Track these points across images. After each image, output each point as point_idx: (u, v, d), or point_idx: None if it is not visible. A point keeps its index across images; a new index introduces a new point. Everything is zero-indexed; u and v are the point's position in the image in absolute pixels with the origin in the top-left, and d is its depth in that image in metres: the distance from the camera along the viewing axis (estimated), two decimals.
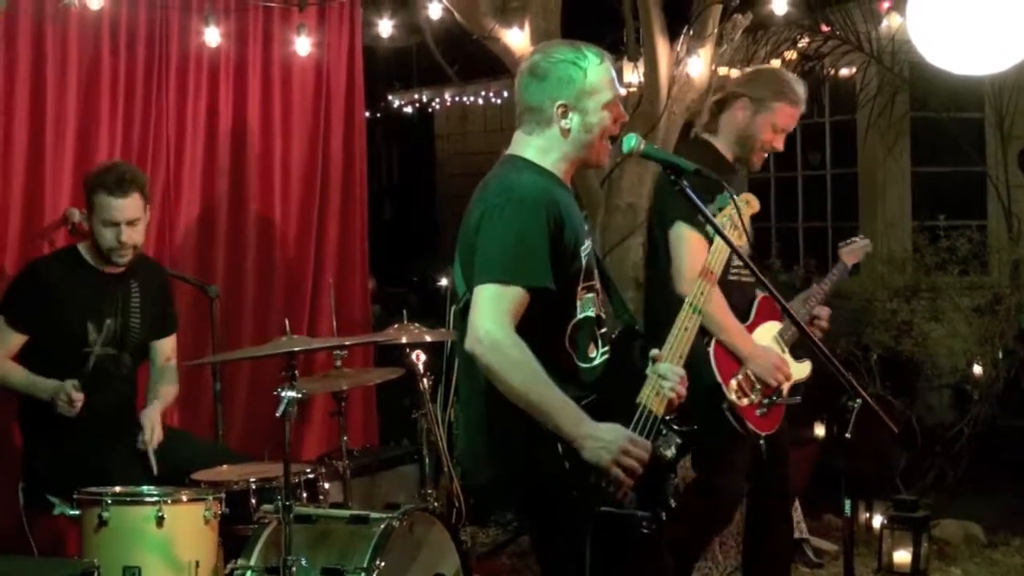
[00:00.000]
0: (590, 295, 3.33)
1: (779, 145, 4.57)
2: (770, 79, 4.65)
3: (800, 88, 4.56)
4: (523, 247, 3.16)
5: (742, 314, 4.44)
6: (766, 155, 4.60)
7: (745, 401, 4.37)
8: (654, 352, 3.38)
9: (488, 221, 3.21)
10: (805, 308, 4.66)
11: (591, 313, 3.33)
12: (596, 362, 3.34)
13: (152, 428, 4.71)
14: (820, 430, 6.67)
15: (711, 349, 4.32)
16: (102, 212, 4.71)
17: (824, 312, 4.69)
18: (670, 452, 3.27)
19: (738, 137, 4.55)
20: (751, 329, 4.46)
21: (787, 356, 4.53)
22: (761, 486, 4.66)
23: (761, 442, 4.45)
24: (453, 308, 3.45)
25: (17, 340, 4.74)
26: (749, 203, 4.02)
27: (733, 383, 4.36)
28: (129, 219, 4.72)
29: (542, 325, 3.19)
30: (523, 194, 3.22)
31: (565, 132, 3.32)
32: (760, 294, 4.54)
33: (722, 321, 4.31)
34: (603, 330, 3.37)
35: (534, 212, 3.18)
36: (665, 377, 3.31)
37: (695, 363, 4.19)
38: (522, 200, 3.20)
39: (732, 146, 4.56)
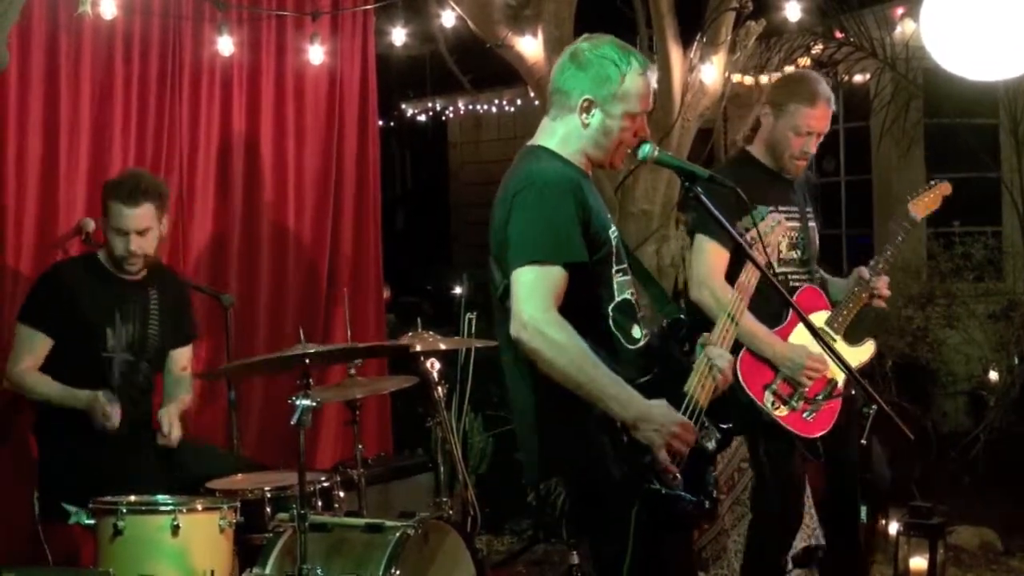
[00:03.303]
0: (624, 277, 3.33)
1: (811, 148, 4.50)
2: (787, 81, 4.64)
3: (817, 86, 4.47)
4: (554, 226, 3.15)
5: (774, 315, 4.37)
6: (804, 161, 4.52)
7: (784, 410, 4.31)
8: (704, 336, 3.42)
9: (516, 210, 3.19)
10: (864, 282, 4.51)
11: (628, 296, 3.32)
12: (641, 343, 3.32)
13: (171, 424, 4.72)
14: None
15: (737, 367, 4.25)
16: (113, 220, 4.73)
17: (882, 283, 4.54)
18: (711, 444, 3.30)
19: (767, 145, 4.54)
20: (792, 325, 4.37)
21: (840, 343, 4.45)
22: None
23: (818, 444, 4.34)
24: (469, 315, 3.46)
25: (44, 344, 4.73)
26: (781, 223, 4.03)
27: (768, 395, 4.31)
28: (139, 229, 4.72)
29: (584, 308, 3.18)
30: (546, 179, 3.22)
31: (584, 125, 3.32)
32: (804, 286, 4.48)
33: (746, 327, 4.24)
34: (641, 313, 3.37)
35: (559, 194, 3.18)
36: (715, 361, 3.33)
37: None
38: (546, 184, 3.20)
39: (766, 154, 4.55)
